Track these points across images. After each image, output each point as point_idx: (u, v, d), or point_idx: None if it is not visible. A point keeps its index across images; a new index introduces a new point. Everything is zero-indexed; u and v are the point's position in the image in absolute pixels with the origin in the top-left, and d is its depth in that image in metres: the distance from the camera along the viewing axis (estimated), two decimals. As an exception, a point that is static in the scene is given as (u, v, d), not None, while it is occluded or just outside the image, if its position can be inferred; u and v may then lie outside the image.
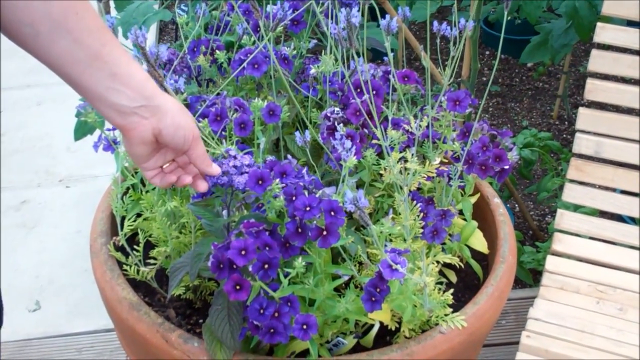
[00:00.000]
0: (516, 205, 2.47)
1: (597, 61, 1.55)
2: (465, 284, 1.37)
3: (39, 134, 2.92)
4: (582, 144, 1.58)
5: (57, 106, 3.07)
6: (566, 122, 2.92)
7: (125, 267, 1.27)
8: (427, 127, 1.30)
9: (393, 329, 1.20)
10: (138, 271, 1.27)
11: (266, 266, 1.01)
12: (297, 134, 1.22)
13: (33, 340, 2.00)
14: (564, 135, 2.84)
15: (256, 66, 1.34)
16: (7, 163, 2.76)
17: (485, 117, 2.99)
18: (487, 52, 3.34)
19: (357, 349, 1.20)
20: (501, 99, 3.09)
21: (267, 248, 1.01)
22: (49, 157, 2.80)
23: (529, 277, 2.10)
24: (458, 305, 1.24)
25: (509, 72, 3.26)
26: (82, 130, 1.85)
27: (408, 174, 1.20)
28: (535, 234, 2.39)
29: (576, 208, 1.71)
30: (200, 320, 1.27)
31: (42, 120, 2.97)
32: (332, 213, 1.03)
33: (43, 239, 2.41)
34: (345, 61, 1.39)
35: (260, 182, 1.06)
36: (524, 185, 2.62)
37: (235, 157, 1.07)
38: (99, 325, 2.02)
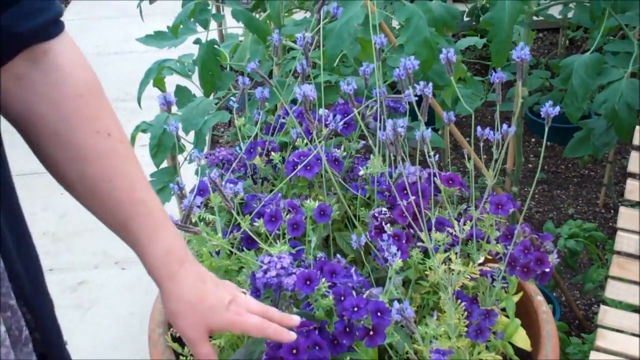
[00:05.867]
0: (562, 295, 2.48)
1: (637, 162, 1.60)
2: (508, 380, 1.40)
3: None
4: (623, 242, 1.62)
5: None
6: (612, 211, 2.94)
7: (181, 358, 1.33)
8: (471, 227, 1.36)
9: None
10: (193, 362, 1.33)
11: (316, 365, 1.06)
12: (353, 236, 1.28)
13: (86, 422, 2.06)
14: (610, 224, 2.86)
15: (308, 168, 1.42)
16: (67, 244, 2.87)
17: (531, 204, 3.03)
18: (533, 140, 3.40)
19: None
20: (547, 186, 3.13)
21: (317, 347, 1.07)
22: (106, 240, 2.89)
23: (575, 369, 2.11)
24: (501, 403, 1.27)
25: (554, 159, 3.30)
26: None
27: (452, 274, 1.25)
28: (582, 324, 2.40)
29: (621, 303, 1.73)
30: (252, 412, 1.32)
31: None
32: (379, 314, 1.09)
33: (98, 320, 2.49)
34: (393, 162, 1.46)
35: (308, 282, 1.13)
36: (570, 275, 2.64)
37: (280, 258, 1.14)
38: (151, 408, 2.08)
